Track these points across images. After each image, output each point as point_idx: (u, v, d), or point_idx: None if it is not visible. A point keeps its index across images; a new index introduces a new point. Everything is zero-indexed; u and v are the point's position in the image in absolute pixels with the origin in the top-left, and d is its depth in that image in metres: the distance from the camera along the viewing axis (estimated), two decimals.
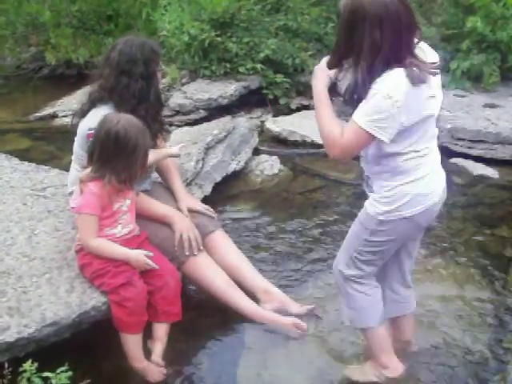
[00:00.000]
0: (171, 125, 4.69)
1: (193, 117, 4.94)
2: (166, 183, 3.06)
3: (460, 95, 4.84)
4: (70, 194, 2.75)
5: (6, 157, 3.64)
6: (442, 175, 2.21)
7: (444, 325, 2.72)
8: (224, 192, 3.88)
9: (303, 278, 3.08)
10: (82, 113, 2.74)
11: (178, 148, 2.94)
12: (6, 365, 1.99)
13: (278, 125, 4.72)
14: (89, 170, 2.44)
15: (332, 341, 2.62)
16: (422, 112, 2.01)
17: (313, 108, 2.23)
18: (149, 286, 2.46)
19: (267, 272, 3.06)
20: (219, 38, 5.06)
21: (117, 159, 2.37)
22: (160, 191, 2.99)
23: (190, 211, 2.91)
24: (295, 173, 4.24)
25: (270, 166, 4.23)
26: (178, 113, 4.99)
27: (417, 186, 2.10)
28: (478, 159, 4.23)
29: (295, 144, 4.56)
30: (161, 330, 2.52)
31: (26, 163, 3.57)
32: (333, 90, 2.14)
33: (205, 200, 3.43)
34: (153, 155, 2.65)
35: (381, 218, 2.13)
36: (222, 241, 2.95)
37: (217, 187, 3.80)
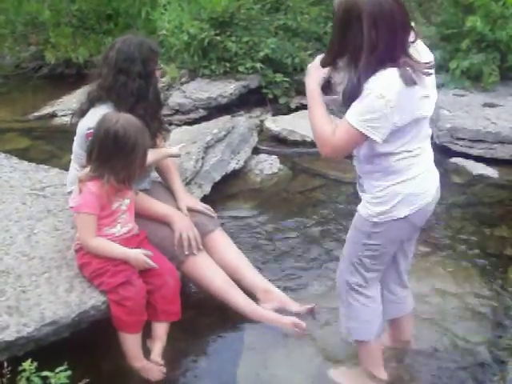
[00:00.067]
0: (170, 124, 4.69)
1: (192, 116, 4.93)
2: (166, 182, 3.06)
3: (459, 95, 4.84)
4: (70, 193, 2.75)
5: (5, 156, 3.64)
6: (435, 175, 2.20)
7: (443, 324, 2.72)
8: (223, 191, 3.88)
9: (303, 278, 3.08)
10: (81, 112, 2.74)
11: (178, 148, 2.94)
12: (6, 364, 1.98)
13: (277, 124, 4.72)
14: (88, 169, 2.44)
15: (331, 340, 2.61)
16: (415, 112, 2.00)
17: None
18: (148, 285, 2.46)
19: (266, 271, 3.06)
20: (219, 37, 5.06)
21: (116, 158, 2.37)
22: (159, 190, 2.99)
23: (190, 210, 2.91)
24: (295, 172, 4.24)
25: (269, 165, 4.23)
26: (177, 112, 4.99)
27: (408, 185, 2.08)
28: (477, 159, 4.23)
29: (295, 143, 4.56)
30: (160, 329, 2.52)
31: (25, 162, 3.57)
32: (326, 88, 2.14)
33: (204, 199, 3.43)
34: (152, 155, 2.65)
35: (375, 219, 2.12)
36: (221, 240, 2.95)
37: (216, 186, 3.80)
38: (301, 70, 5.25)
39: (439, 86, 5.38)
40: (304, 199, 3.91)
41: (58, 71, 6.48)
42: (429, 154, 2.18)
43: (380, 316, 2.31)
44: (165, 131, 3.02)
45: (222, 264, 2.85)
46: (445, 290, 2.95)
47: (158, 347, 2.49)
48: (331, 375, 2.45)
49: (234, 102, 5.07)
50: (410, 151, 2.07)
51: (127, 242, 2.50)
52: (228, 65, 5.16)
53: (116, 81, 2.68)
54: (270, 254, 3.28)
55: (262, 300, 2.81)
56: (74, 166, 2.78)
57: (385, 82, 1.93)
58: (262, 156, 4.34)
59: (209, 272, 2.79)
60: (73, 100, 5.13)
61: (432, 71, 2.06)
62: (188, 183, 3.53)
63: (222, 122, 4.43)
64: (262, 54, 5.11)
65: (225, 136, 4.20)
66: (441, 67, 5.05)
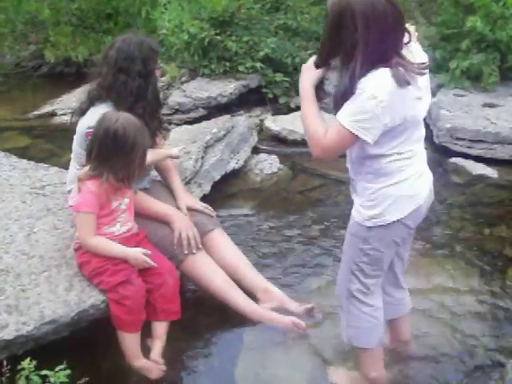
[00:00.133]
0: (170, 123, 4.69)
1: (192, 115, 4.93)
2: (165, 182, 3.06)
3: (459, 95, 4.83)
4: (69, 192, 2.76)
5: (4, 155, 3.64)
6: (428, 177, 2.18)
7: (442, 325, 2.72)
8: (223, 191, 3.88)
9: (303, 277, 3.08)
10: (81, 111, 2.74)
11: (178, 150, 2.94)
12: (5, 363, 1.98)
13: (277, 124, 4.72)
14: (87, 168, 2.43)
15: (331, 340, 2.61)
16: (407, 113, 1.98)
17: None
18: (147, 284, 2.46)
19: (266, 271, 3.06)
20: (219, 37, 5.06)
21: (115, 157, 2.37)
22: (159, 190, 2.99)
23: (189, 210, 2.91)
24: (294, 172, 4.24)
25: (269, 164, 4.23)
26: (177, 111, 4.99)
27: (400, 188, 2.07)
28: (477, 159, 4.22)
29: (294, 143, 4.56)
30: (160, 329, 2.52)
31: (24, 161, 3.57)
32: (320, 88, 2.13)
33: (204, 199, 3.43)
34: (151, 155, 2.65)
35: (368, 224, 2.11)
36: (220, 239, 2.95)
37: (216, 186, 3.80)
38: (301, 69, 5.25)
39: (439, 86, 5.40)
40: (304, 199, 3.91)
41: (58, 70, 6.48)
42: (421, 156, 2.15)
43: (381, 324, 2.30)
44: (164, 130, 3.02)
45: (222, 263, 2.84)
46: (444, 290, 2.95)
47: (157, 346, 2.49)
48: (330, 375, 2.44)
49: (234, 102, 5.07)
50: (401, 153, 2.05)
51: (126, 241, 2.50)
52: (228, 64, 5.16)
53: (116, 80, 2.68)
54: (270, 253, 3.28)
55: (262, 300, 2.80)
56: (73, 164, 2.78)
57: (377, 83, 1.91)
58: (262, 155, 4.34)
59: (208, 271, 2.79)
60: (72, 99, 5.13)
61: (426, 71, 2.04)
62: (188, 182, 3.53)
63: (222, 121, 4.43)
64: (262, 53, 5.11)
65: (224, 135, 4.20)
66: (441, 67, 5.06)
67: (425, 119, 2.15)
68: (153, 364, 2.45)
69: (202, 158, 3.83)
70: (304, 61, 5.63)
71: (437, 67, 5.04)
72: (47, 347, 2.28)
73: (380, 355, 2.34)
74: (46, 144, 4.68)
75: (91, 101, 2.73)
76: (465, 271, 3.10)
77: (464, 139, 4.33)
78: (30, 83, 6.39)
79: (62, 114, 5.16)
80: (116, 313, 2.40)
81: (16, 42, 6.67)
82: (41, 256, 2.61)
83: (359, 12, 1.89)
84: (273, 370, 2.50)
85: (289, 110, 5.10)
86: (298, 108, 5.06)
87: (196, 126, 4.46)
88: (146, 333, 2.49)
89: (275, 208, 3.77)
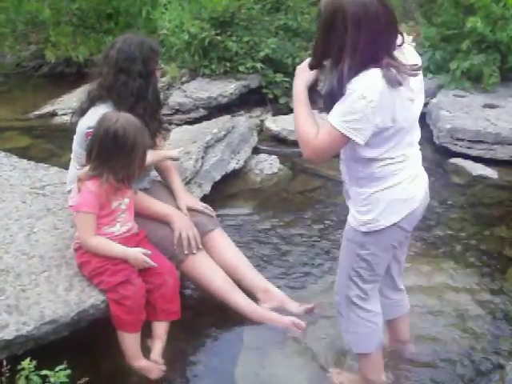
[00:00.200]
0: (171, 123, 4.69)
1: (192, 115, 4.93)
2: (166, 182, 3.06)
3: (460, 95, 4.83)
4: (69, 192, 2.76)
5: (5, 155, 3.64)
6: (423, 179, 2.17)
7: (441, 325, 2.72)
8: (223, 191, 3.88)
9: (303, 277, 3.08)
10: (81, 111, 2.74)
11: (178, 151, 2.94)
12: (5, 362, 1.98)
13: (277, 124, 4.72)
14: (87, 168, 2.44)
15: (331, 340, 2.61)
16: (398, 114, 1.96)
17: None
18: (147, 284, 2.46)
19: (266, 271, 3.06)
20: (219, 37, 5.06)
21: (115, 158, 2.37)
22: (159, 190, 2.99)
23: (189, 210, 2.91)
24: (295, 172, 4.24)
25: (269, 165, 4.23)
26: (177, 111, 4.99)
27: (393, 192, 2.06)
28: (477, 159, 4.22)
29: (295, 143, 4.49)
30: (160, 329, 2.52)
31: (25, 161, 3.57)
32: (314, 90, 2.13)
33: (204, 199, 3.43)
34: (151, 156, 2.65)
35: (363, 229, 2.10)
36: (220, 239, 2.95)
37: (216, 186, 3.80)
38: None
39: (439, 87, 5.40)
40: (304, 199, 3.91)
41: (59, 70, 6.48)
42: (414, 159, 2.13)
43: (380, 329, 2.29)
44: (164, 131, 3.02)
45: (222, 264, 2.85)
46: (444, 290, 2.95)
47: (157, 347, 2.49)
48: (330, 376, 2.44)
49: (235, 102, 5.07)
50: (393, 158, 2.04)
51: (126, 241, 2.50)
52: (228, 64, 5.16)
53: (116, 80, 2.68)
54: (270, 253, 3.28)
55: (262, 300, 2.81)
56: (73, 164, 2.78)
57: (367, 83, 1.91)
58: (262, 156, 4.34)
59: (208, 271, 2.79)
60: (73, 99, 5.13)
61: (419, 73, 2.03)
62: (188, 183, 3.53)
63: (222, 121, 4.43)
64: (262, 53, 5.11)
65: (225, 136, 4.20)
66: (441, 68, 5.06)
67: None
68: (153, 364, 2.45)
69: (203, 158, 3.83)
70: None
71: (437, 68, 5.05)
72: (47, 347, 2.28)
73: (379, 359, 2.33)
74: (47, 144, 4.68)
75: (91, 101, 2.74)
76: (465, 271, 3.10)
77: (464, 140, 4.33)
78: (31, 83, 6.39)
79: (63, 114, 5.16)
80: (116, 313, 2.40)
81: (17, 41, 6.67)
82: (41, 256, 2.61)
83: (351, 13, 1.88)
84: (272, 370, 2.50)
85: (289, 110, 5.09)
86: None
87: (196, 126, 4.46)
88: (146, 333, 2.49)
89: (275, 208, 3.77)
